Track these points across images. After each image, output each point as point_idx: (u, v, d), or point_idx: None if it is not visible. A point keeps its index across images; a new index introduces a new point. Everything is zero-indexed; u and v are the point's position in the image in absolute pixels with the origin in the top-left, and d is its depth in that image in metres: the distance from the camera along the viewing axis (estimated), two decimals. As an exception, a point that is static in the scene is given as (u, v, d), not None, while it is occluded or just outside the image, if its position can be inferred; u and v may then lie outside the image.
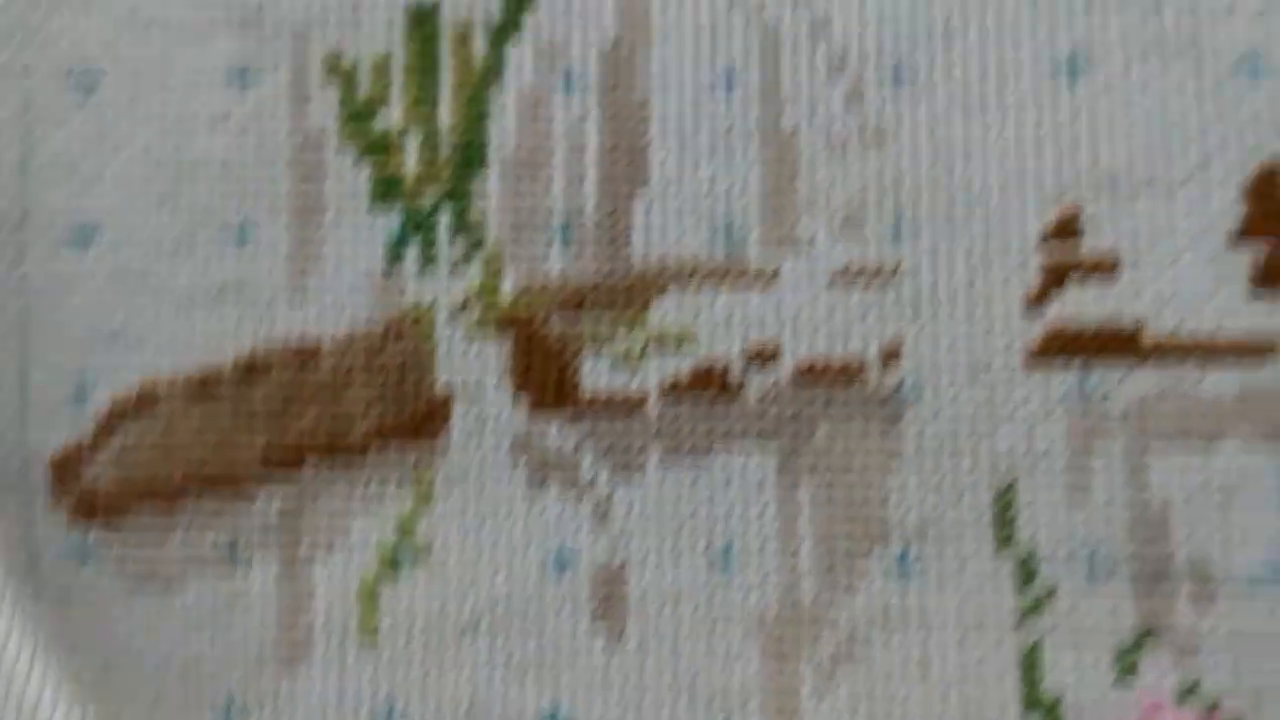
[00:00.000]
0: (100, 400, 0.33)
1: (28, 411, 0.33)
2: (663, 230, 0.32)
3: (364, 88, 0.33)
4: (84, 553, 0.33)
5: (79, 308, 0.33)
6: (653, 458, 0.32)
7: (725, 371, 0.32)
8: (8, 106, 0.33)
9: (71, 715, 0.32)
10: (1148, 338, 0.30)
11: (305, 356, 0.32)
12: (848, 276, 0.31)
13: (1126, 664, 0.29)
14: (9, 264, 0.33)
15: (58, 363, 0.33)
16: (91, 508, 0.33)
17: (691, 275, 0.32)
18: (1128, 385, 0.30)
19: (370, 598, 0.32)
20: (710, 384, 0.32)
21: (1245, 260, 0.29)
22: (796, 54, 0.32)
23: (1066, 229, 0.30)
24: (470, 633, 0.32)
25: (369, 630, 0.32)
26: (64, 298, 0.33)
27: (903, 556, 0.30)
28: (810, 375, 0.31)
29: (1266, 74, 0.30)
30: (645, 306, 0.32)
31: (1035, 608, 0.30)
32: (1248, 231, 0.29)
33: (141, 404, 0.33)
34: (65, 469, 0.33)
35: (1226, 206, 0.30)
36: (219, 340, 0.33)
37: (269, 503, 0.32)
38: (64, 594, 0.33)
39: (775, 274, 0.32)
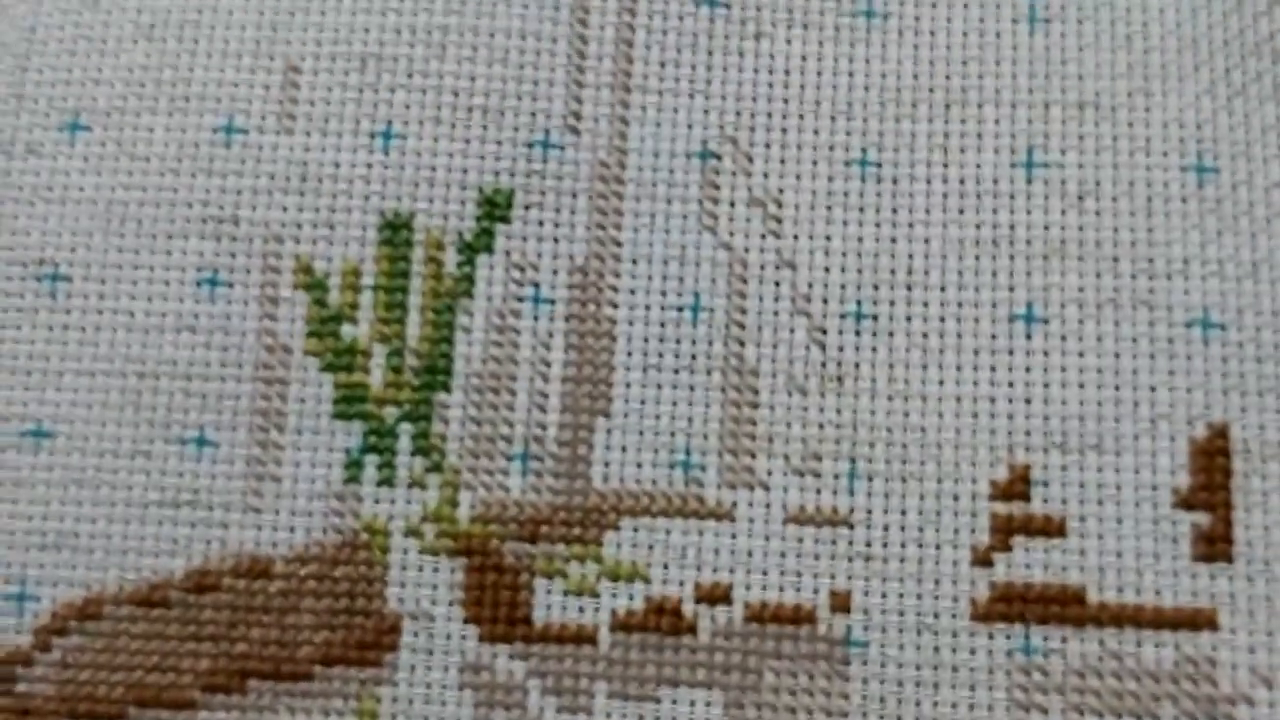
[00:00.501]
0: (41, 606, 0.32)
1: (-34, 613, 0.32)
2: (622, 460, 0.32)
3: (334, 297, 0.33)
4: (17, 764, 0.32)
5: (24, 510, 0.33)
6: (600, 694, 0.31)
7: (677, 609, 0.32)
8: (-30, 301, 0.33)
9: None
10: (1090, 601, 0.30)
11: (256, 572, 0.32)
12: (801, 518, 0.32)
13: None
14: (-41, 461, 0.33)
15: None
16: (25, 718, 0.32)
17: (649, 508, 0.32)
18: (1069, 648, 0.30)
19: (309, 822, 0.31)
20: (662, 621, 0.32)
21: (1188, 527, 0.30)
22: (763, 286, 0.33)
23: (1016, 488, 0.31)
24: None
25: None
26: (9, 496, 0.33)
27: (847, 805, 0.30)
28: (761, 617, 0.31)
29: (1216, 333, 0.31)
30: (600, 537, 0.32)
31: None
32: (1190, 503, 0.30)
33: (85, 614, 0.32)
34: (0, 675, 0.32)
35: (1172, 469, 0.30)
36: (170, 551, 0.32)
37: (211, 720, 0.32)
38: (-7, 806, 0.32)
39: (731, 511, 0.32)
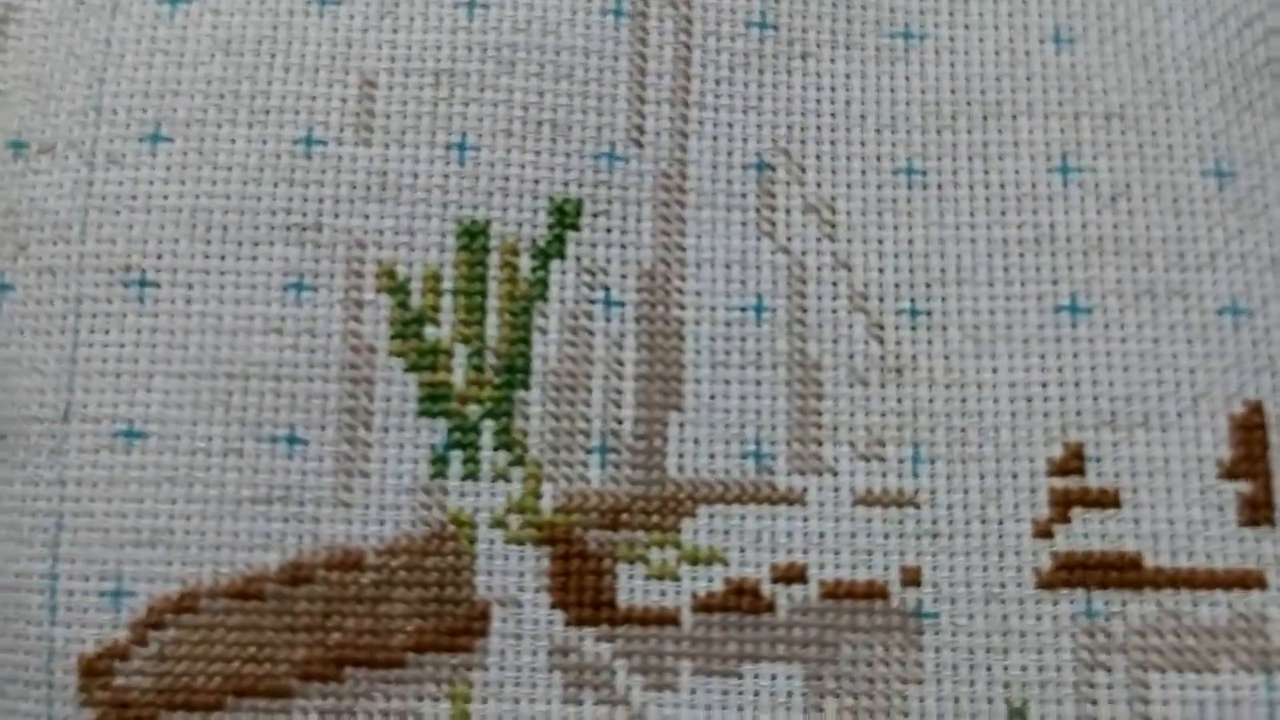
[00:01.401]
0: (138, 601, 0.33)
1: (56, 608, 0.33)
2: (695, 451, 0.34)
3: (415, 300, 0.35)
4: (113, 758, 0.33)
5: (119, 506, 0.33)
6: (685, 672, 0.33)
7: (755, 589, 0.33)
8: (59, 300, 0.34)
9: None
10: (1147, 566, 0.32)
11: (349, 564, 0.33)
12: (869, 500, 0.34)
13: None
14: (49, 457, 0.34)
15: (93, 561, 0.33)
16: (123, 711, 0.33)
17: (723, 495, 0.34)
18: (1129, 610, 0.32)
19: (405, 806, 0.32)
20: (741, 601, 0.33)
21: (1232, 495, 0.33)
22: (821, 286, 0.35)
23: (1071, 464, 0.33)
24: (503, 841, 0.32)
25: (402, 838, 0.32)
26: (104, 496, 0.33)
27: (923, 768, 0.32)
28: (836, 594, 0.33)
29: (1245, 319, 0.34)
30: (678, 524, 0.34)
31: (1047, 819, 0.32)
32: (1234, 473, 0.33)
33: (181, 607, 0.33)
34: (97, 670, 0.33)
35: (1215, 443, 0.33)
36: (263, 545, 0.33)
37: (308, 711, 0.33)
38: (89, 800, 0.32)
39: (802, 496, 0.34)
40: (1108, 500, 0.33)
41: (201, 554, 0.33)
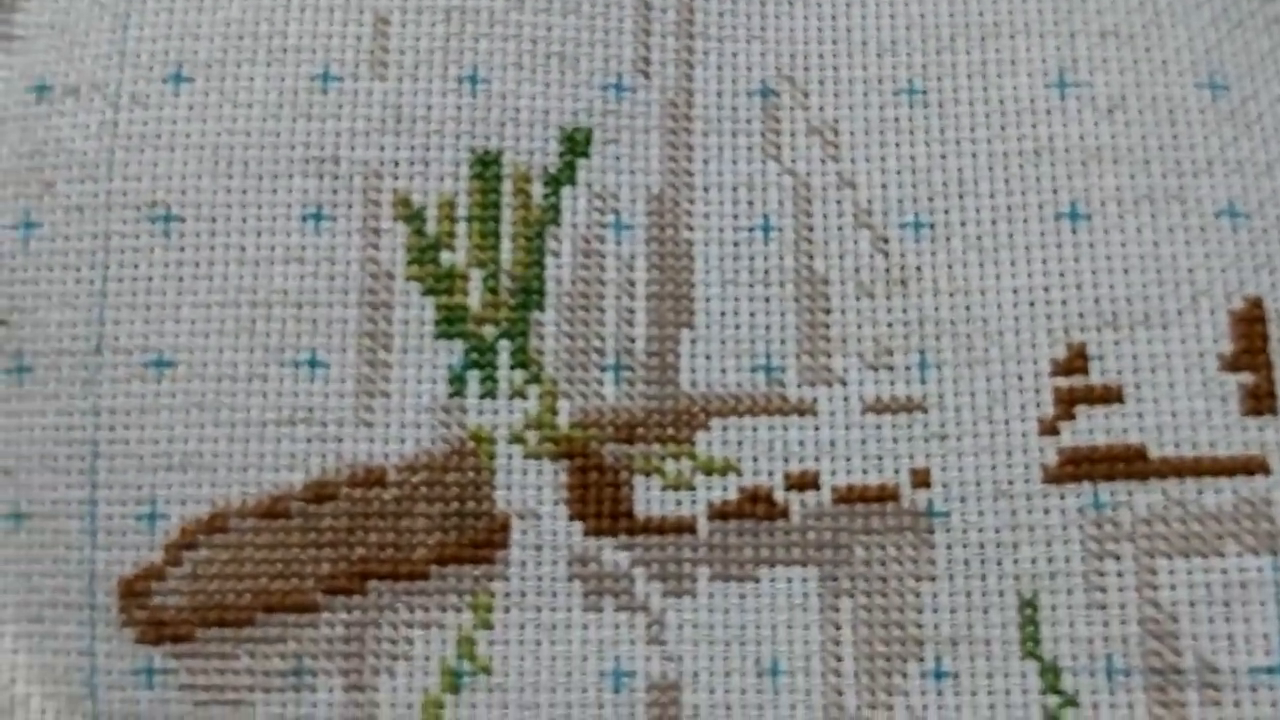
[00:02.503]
0: (171, 523, 0.34)
1: (95, 533, 0.34)
2: (707, 366, 0.35)
3: (431, 227, 0.36)
4: (150, 674, 0.34)
5: (151, 433, 0.34)
6: (703, 577, 0.34)
7: (769, 496, 0.34)
8: (87, 237, 0.35)
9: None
10: (1152, 457, 0.33)
11: (371, 481, 0.34)
12: (879, 408, 0.35)
13: (1147, 761, 0.32)
14: (83, 388, 0.35)
15: (128, 486, 0.34)
16: (161, 629, 0.34)
17: (735, 408, 0.35)
18: (1135, 500, 0.33)
19: (433, 716, 0.33)
20: (756, 508, 0.34)
21: (1234, 386, 0.33)
22: (826, 205, 0.36)
23: (1075, 363, 0.34)
24: (529, 746, 0.33)
25: (430, 746, 0.33)
26: (136, 424, 0.34)
27: (937, 665, 0.33)
28: (848, 499, 0.34)
29: (1243, 221, 0.34)
30: (692, 437, 0.35)
31: (1060, 710, 0.32)
32: (1235, 366, 0.33)
33: (212, 528, 0.34)
34: (135, 591, 0.34)
35: (1216, 338, 0.33)
36: (288, 466, 0.34)
37: (334, 624, 0.34)
38: (128, 714, 0.33)
39: (813, 406, 0.35)
40: (1111, 396, 0.33)
41: (230, 475, 0.34)
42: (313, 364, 0.35)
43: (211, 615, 0.34)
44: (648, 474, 0.35)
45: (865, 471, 0.34)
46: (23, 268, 0.35)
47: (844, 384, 0.35)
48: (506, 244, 0.36)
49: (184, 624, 0.34)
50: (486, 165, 0.36)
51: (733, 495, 0.34)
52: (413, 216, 0.36)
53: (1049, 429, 0.34)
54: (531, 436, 0.35)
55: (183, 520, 0.34)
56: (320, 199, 0.36)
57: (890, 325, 0.35)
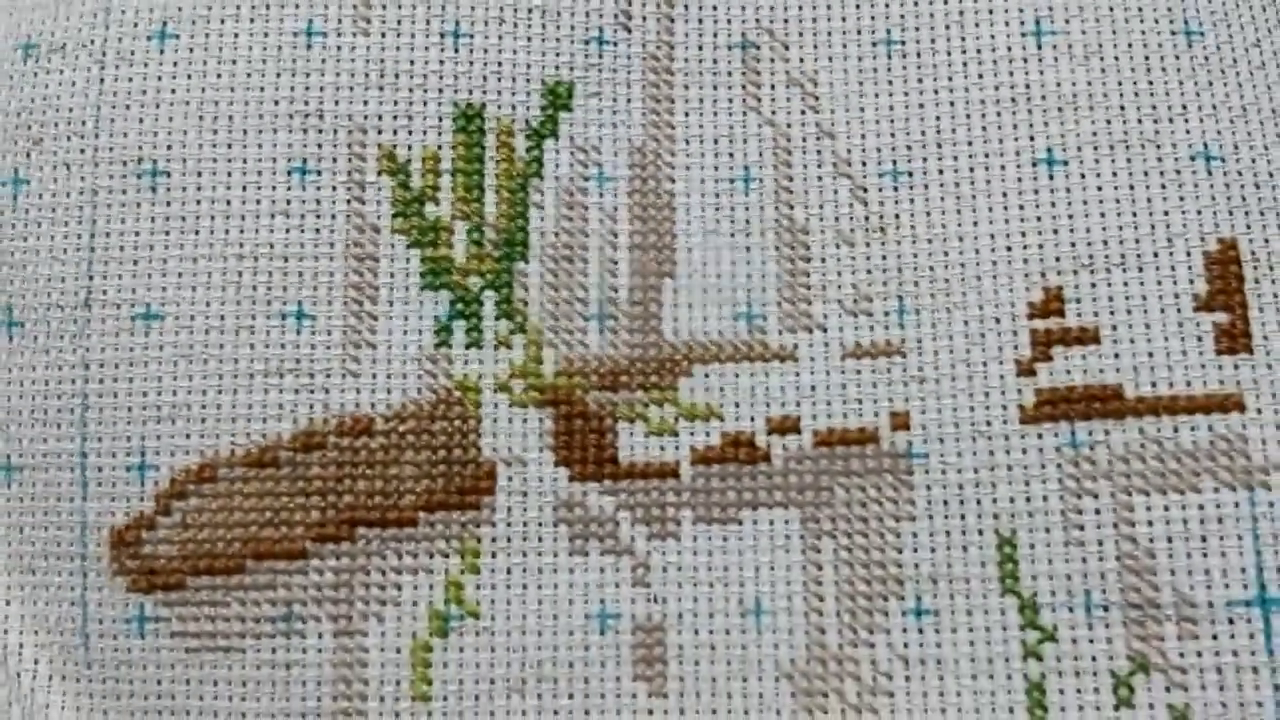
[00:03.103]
0: (161, 473, 0.34)
1: (86, 484, 0.35)
2: (690, 315, 0.35)
3: (415, 181, 0.36)
4: (141, 622, 0.34)
5: (140, 385, 0.35)
6: (686, 521, 0.34)
7: (751, 441, 0.35)
8: (75, 193, 0.36)
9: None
10: (1128, 396, 0.33)
11: (359, 430, 0.35)
12: (858, 353, 0.35)
13: (1123, 694, 0.32)
14: (72, 341, 0.35)
15: (118, 437, 0.35)
16: (152, 578, 0.34)
17: (717, 355, 0.35)
18: (1112, 439, 0.33)
19: (422, 659, 0.34)
20: (738, 452, 0.35)
21: (1209, 326, 0.34)
22: (806, 155, 0.36)
23: (1051, 306, 0.34)
24: (518, 691, 0.34)
25: (421, 691, 0.34)
26: (125, 376, 0.35)
27: (917, 603, 0.33)
28: (828, 442, 0.34)
29: (1218, 164, 0.35)
30: (675, 384, 0.35)
31: (1039, 645, 0.33)
32: (1210, 306, 0.34)
33: (201, 477, 0.35)
34: (126, 540, 0.34)
35: (1191, 279, 0.34)
36: (276, 416, 0.35)
37: (323, 570, 0.34)
38: (120, 663, 0.34)
39: (793, 352, 0.35)
40: (1088, 337, 0.34)
41: (219, 426, 0.35)
42: (299, 316, 0.35)
43: (202, 563, 0.34)
44: (631, 420, 0.35)
45: (845, 415, 0.35)
46: (11, 224, 0.36)
47: (824, 330, 0.35)
48: (490, 196, 0.36)
49: (175, 572, 0.34)
50: (470, 119, 0.37)
51: (715, 440, 0.35)
52: (397, 170, 0.36)
53: (1026, 370, 0.34)
54: (517, 385, 0.35)
55: (172, 470, 0.34)
56: (305, 153, 0.36)
57: (869, 272, 0.35)
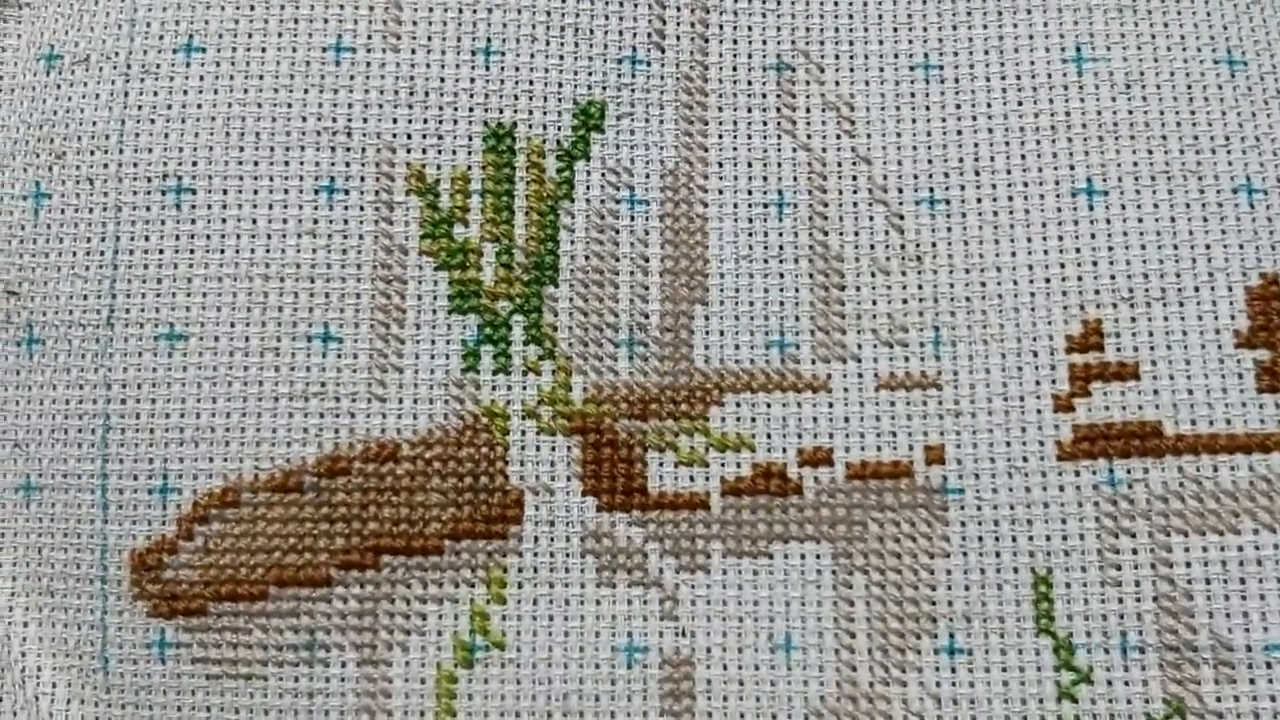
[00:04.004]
0: (183, 496, 0.34)
1: (107, 506, 0.34)
2: (721, 342, 0.35)
3: (445, 201, 0.35)
4: (162, 647, 0.34)
5: (163, 407, 0.34)
6: (716, 553, 0.34)
7: (783, 473, 0.34)
8: (98, 209, 0.35)
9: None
10: (1167, 434, 0.33)
11: (385, 456, 0.34)
12: (893, 384, 0.34)
13: (1160, 737, 0.32)
14: (94, 360, 0.34)
15: (140, 459, 0.34)
16: (173, 603, 0.34)
17: (749, 384, 0.35)
18: (1151, 477, 0.33)
19: (446, 690, 0.33)
20: (770, 484, 0.34)
21: (1250, 363, 0.33)
22: (841, 180, 0.36)
23: (1091, 340, 0.34)
24: (542, 721, 0.33)
25: (444, 720, 0.33)
26: (148, 396, 0.34)
27: (951, 641, 0.33)
28: (862, 475, 0.34)
29: (1260, 197, 0.34)
30: (706, 413, 0.35)
31: (1073, 686, 0.32)
32: (1251, 343, 0.33)
33: (224, 501, 0.34)
34: (147, 564, 0.34)
35: (1232, 314, 0.33)
36: (301, 440, 0.34)
37: (347, 598, 0.34)
38: (140, 688, 0.33)
39: (827, 383, 0.35)
40: (1127, 373, 0.33)
41: (242, 449, 0.34)
42: (325, 338, 0.35)
43: (224, 589, 0.34)
44: (661, 450, 0.34)
45: (879, 448, 0.34)
46: (33, 239, 0.35)
47: (858, 360, 0.35)
48: (520, 219, 0.36)
49: (196, 597, 0.34)
50: (500, 139, 0.36)
51: (746, 471, 0.34)
52: (426, 190, 0.36)
53: (1064, 405, 0.34)
54: (545, 412, 0.35)
55: (195, 494, 0.34)
56: (333, 171, 0.35)
57: (905, 301, 0.35)
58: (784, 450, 0.34)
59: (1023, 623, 0.33)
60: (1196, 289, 0.34)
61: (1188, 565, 0.32)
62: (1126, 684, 0.32)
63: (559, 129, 0.36)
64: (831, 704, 0.33)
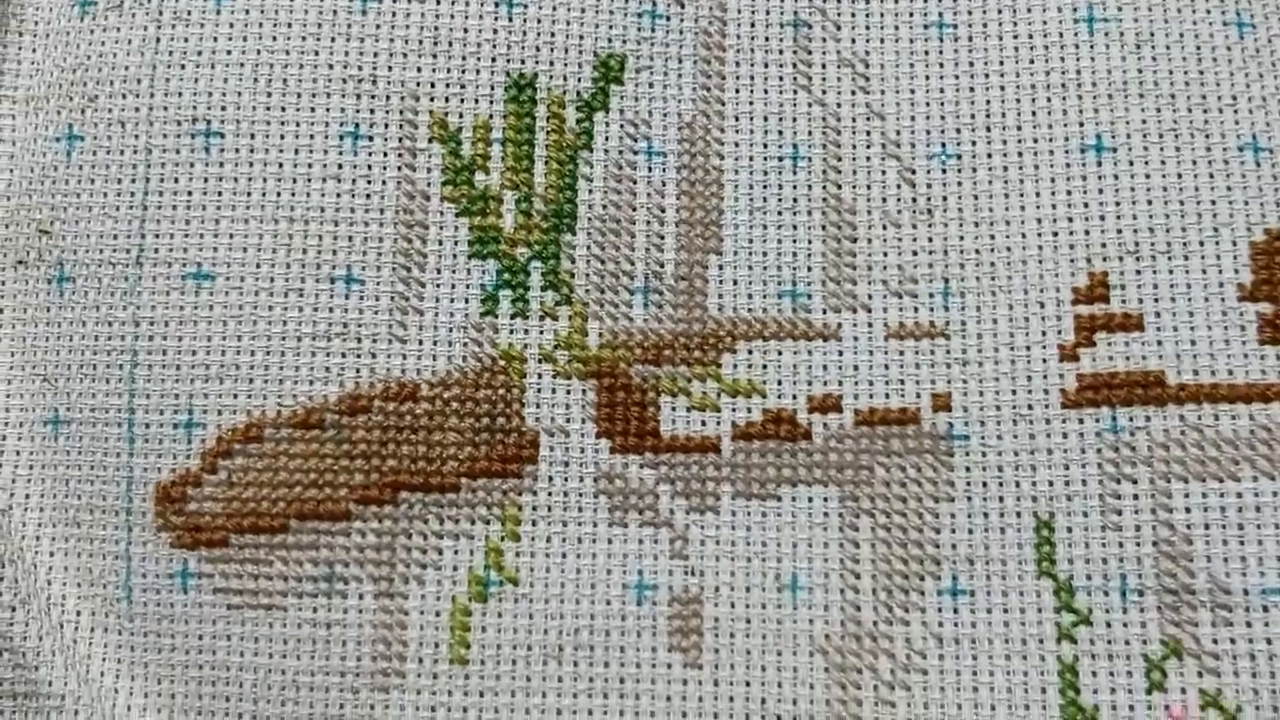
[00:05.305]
0: (208, 431, 0.35)
1: (134, 440, 0.35)
2: (735, 291, 0.36)
3: (466, 149, 0.36)
4: (185, 577, 0.34)
5: (189, 344, 0.35)
6: (726, 495, 0.35)
7: (793, 418, 0.35)
8: (129, 151, 0.36)
9: (167, 733, 0.34)
10: (1170, 384, 0.34)
11: (404, 395, 0.35)
12: (902, 334, 0.35)
13: (1155, 678, 0.33)
14: (122, 298, 0.35)
15: (166, 395, 0.35)
16: (196, 535, 0.35)
17: (761, 332, 0.35)
18: (1153, 425, 0.34)
19: (461, 624, 0.34)
20: (780, 429, 0.35)
21: (1253, 316, 0.34)
22: (855, 135, 0.36)
23: (1096, 292, 0.35)
24: (555, 658, 0.34)
25: (459, 655, 0.34)
26: (175, 334, 0.35)
27: (954, 583, 0.34)
28: (869, 421, 0.35)
29: (1267, 155, 0.35)
30: (719, 359, 0.35)
31: (1073, 628, 0.33)
32: (1255, 296, 0.34)
33: (248, 437, 0.35)
34: (172, 496, 0.35)
35: (1236, 268, 0.34)
36: (323, 379, 0.35)
37: (365, 533, 0.34)
38: (162, 617, 0.34)
39: (837, 331, 0.35)
40: (1131, 324, 0.34)
41: (266, 387, 0.35)
42: (348, 280, 0.36)
43: (246, 522, 0.34)
44: (674, 394, 0.35)
45: (887, 395, 0.35)
46: (65, 179, 0.36)
47: (868, 310, 0.35)
48: (540, 167, 0.36)
49: (219, 530, 0.35)
50: (521, 89, 0.37)
51: (757, 417, 0.35)
52: (449, 138, 0.36)
53: (1069, 355, 0.34)
54: (561, 356, 0.35)
55: (219, 429, 0.35)
56: (358, 118, 0.36)
57: (915, 254, 0.36)
58: (794, 397, 0.35)
59: (1024, 565, 0.34)
60: (1201, 243, 0.34)
61: (1187, 511, 0.33)
62: (1125, 625, 0.33)
63: (579, 80, 0.37)
64: (836, 642, 0.34)
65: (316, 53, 0.36)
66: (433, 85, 0.36)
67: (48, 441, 0.35)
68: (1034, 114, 0.36)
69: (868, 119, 0.37)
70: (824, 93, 0.37)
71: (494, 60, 0.37)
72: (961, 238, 0.35)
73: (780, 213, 0.36)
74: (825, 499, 0.34)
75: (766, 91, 0.37)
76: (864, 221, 0.36)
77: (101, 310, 0.36)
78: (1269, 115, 0.35)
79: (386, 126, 0.36)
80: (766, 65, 0.37)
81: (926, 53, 0.37)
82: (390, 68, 0.36)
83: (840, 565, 0.34)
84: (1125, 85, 0.36)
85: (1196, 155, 0.35)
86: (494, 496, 0.35)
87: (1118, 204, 0.35)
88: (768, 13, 0.37)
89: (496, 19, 0.37)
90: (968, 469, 0.34)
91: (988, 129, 0.36)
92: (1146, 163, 0.35)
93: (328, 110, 0.36)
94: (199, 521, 0.35)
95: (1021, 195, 0.35)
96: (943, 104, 0.36)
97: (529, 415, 0.35)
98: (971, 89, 0.36)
